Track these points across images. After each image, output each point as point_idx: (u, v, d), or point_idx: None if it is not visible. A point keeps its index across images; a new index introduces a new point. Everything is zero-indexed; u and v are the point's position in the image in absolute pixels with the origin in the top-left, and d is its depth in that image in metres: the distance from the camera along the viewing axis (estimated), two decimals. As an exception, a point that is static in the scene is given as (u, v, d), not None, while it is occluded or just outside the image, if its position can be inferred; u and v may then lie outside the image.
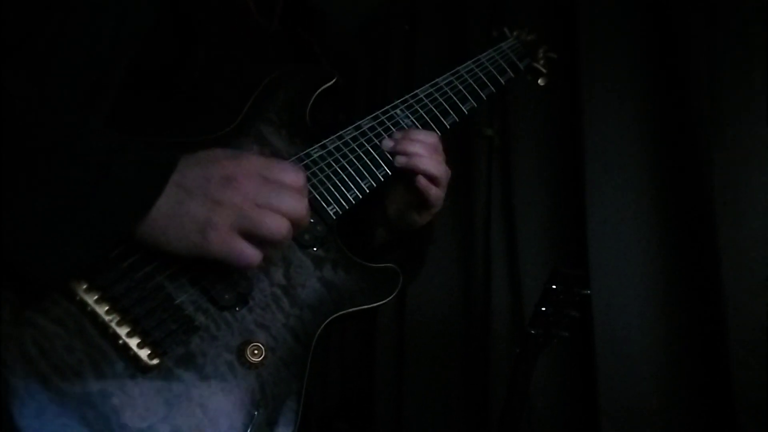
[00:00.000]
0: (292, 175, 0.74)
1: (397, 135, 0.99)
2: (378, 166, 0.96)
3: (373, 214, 1.06)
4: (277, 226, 0.70)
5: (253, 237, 0.70)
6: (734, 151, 1.90)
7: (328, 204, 0.90)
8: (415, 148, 0.97)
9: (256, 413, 0.75)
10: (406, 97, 1.06)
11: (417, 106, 1.05)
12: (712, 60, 1.92)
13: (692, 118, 1.93)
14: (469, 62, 1.15)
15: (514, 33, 1.28)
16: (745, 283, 1.83)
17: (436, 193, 1.00)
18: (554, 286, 1.44)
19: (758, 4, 1.88)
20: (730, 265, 1.83)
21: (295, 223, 0.73)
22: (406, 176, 0.99)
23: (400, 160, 0.97)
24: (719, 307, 1.81)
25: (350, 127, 0.97)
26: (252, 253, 0.70)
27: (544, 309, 1.46)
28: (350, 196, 0.92)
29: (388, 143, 0.98)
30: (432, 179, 0.98)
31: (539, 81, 1.30)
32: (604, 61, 2.11)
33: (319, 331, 0.84)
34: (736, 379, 1.77)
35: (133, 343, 0.70)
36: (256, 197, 0.70)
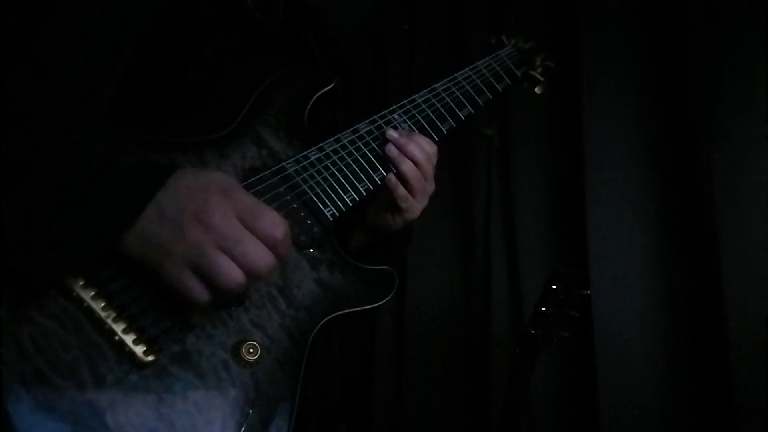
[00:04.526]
0: (269, 228, 0.71)
1: (402, 133, 0.99)
2: (375, 169, 0.96)
3: (352, 216, 1.05)
4: (229, 275, 0.68)
5: (204, 278, 0.69)
6: (734, 151, 1.89)
7: (325, 206, 0.89)
8: (410, 147, 0.98)
9: (250, 412, 0.76)
10: (404, 102, 1.06)
11: (414, 111, 1.05)
12: (712, 60, 1.92)
13: (692, 117, 1.93)
14: (466, 69, 1.15)
15: (512, 41, 1.27)
16: (745, 283, 1.83)
17: (403, 195, 0.99)
18: (554, 286, 1.44)
19: (758, 4, 1.88)
20: (730, 265, 1.82)
21: (252, 277, 0.71)
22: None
23: (391, 151, 0.97)
24: (719, 307, 1.81)
25: (348, 131, 0.97)
26: (199, 292, 0.69)
27: (544, 309, 1.45)
28: (347, 198, 0.92)
29: (393, 134, 0.99)
30: (404, 182, 0.98)
31: (536, 89, 1.29)
32: (604, 61, 2.11)
33: (315, 332, 0.84)
34: (736, 379, 1.77)
35: (129, 339, 0.70)
36: (221, 240, 0.68)
